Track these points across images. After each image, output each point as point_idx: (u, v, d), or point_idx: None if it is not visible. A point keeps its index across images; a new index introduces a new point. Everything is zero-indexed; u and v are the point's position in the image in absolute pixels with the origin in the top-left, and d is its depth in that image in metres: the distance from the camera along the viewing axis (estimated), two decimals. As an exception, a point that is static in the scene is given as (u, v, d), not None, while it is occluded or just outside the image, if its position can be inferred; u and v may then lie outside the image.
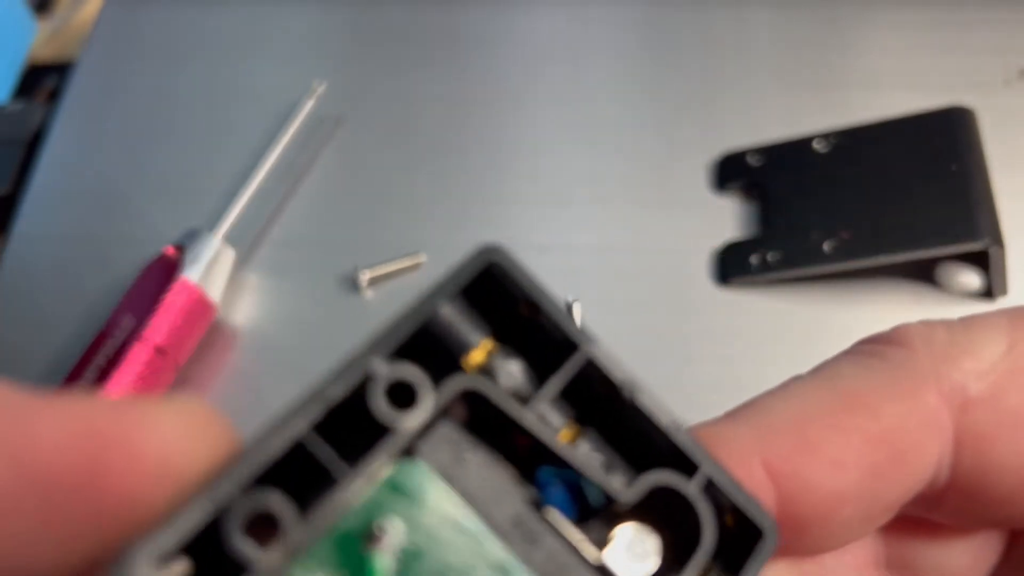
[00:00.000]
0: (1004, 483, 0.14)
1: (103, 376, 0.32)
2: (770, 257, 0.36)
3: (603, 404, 0.12)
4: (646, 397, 0.12)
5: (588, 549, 0.12)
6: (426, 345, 0.12)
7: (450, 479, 0.11)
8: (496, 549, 0.11)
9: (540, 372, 0.12)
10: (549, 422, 0.12)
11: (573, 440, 0.13)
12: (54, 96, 0.46)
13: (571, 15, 0.46)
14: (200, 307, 0.34)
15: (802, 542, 0.14)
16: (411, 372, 0.11)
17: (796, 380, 0.14)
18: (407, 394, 0.11)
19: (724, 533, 0.12)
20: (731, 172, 0.39)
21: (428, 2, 0.46)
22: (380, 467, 0.11)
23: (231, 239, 0.36)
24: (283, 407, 0.11)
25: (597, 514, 0.12)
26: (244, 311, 0.37)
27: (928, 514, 0.15)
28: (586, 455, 0.12)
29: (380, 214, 0.40)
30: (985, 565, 0.16)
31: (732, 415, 0.14)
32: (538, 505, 0.12)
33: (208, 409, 0.11)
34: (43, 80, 0.48)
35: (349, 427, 0.11)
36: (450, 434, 0.12)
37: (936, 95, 0.39)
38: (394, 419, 0.11)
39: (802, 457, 0.13)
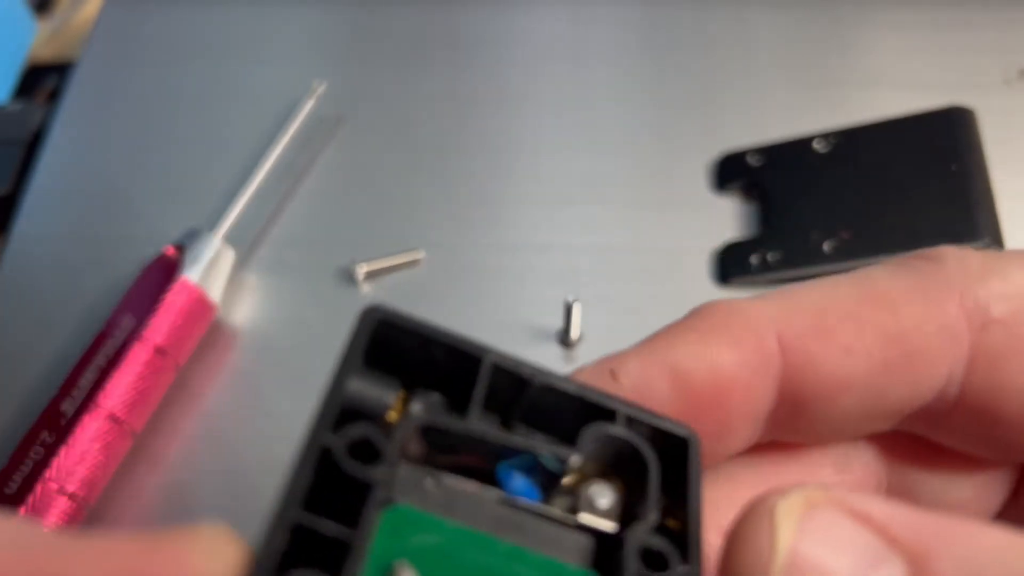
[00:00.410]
0: (1012, 406, 0.14)
1: (103, 376, 0.32)
2: (770, 257, 0.36)
3: (520, 401, 0.13)
4: (552, 377, 0.13)
5: (565, 518, 0.13)
6: (355, 412, 0.13)
7: (430, 508, 0.12)
8: (500, 546, 0.12)
9: (462, 397, 0.13)
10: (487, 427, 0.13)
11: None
12: (54, 96, 0.46)
13: (571, 15, 0.46)
14: (200, 307, 0.34)
15: (797, 424, 0.14)
16: (361, 430, 0.12)
17: (831, 277, 0.15)
18: (368, 449, 0.12)
19: (667, 463, 0.13)
20: (731, 172, 0.39)
21: (428, 2, 0.47)
22: (374, 520, 0.11)
23: (231, 239, 0.36)
24: (271, 506, 0.11)
25: (558, 487, 0.13)
26: (244, 311, 0.37)
27: (932, 432, 0.15)
28: (527, 438, 0.13)
29: (380, 214, 0.40)
30: (987, 503, 0.16)
31: (762, 294, 0.14)
32: (507, 499, 0.13)
33: (229, 534, 0.11)
34: (43, 80, 0.48)
35: (327, 502, 0.11)
36: (412, 472, 0.13)
37: (936, 95, 0.39)
38: (368, 472, 0.11)
39: (815, 337, 0.14)
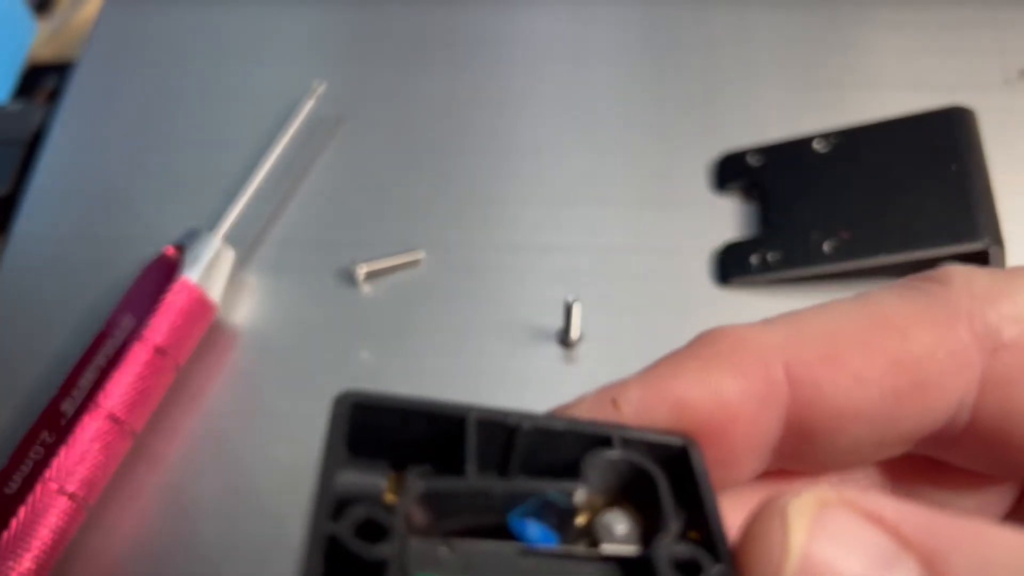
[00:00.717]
0: (1018, 431, 0.14)
1: (103, 376, 0.32)
2: (770, 257, 0.36)
3: (514, 451, 0.13)
4: (539, 419, 0.13)
5: (589, 553, 0.12)
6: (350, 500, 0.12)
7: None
8: None
9: (454, 461, 0.13)
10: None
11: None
12: (54, 96, 0.46)
13: (571, 15, 0.46)
14: (200, 307, 0.34)
15: (804, 454, 0.14)
16: (363, 511, 0.11)
17: (836, 301, 0.14)
18: (374, 529, 0.11)
19: (674, 479, 0.13)
20: (731, 172, 0.39)
21: (428, 2, 0.47)
22: None
23: (231, 239, 0.36)
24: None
25: (573, 529, 0.13)
26: (244, 311, 0.37)
27: (940, 455, 0.15)
28: (530, 481, 0.13)
29: (380, 214, 0.40)
30: (989, 512, 0.16)
31: (768, 320, 0.14)
32: (527, 549, 0.12)
33: None
34: (43, 80, 0.48)
35: None
36: (423, 544, 0.12)
37: (936, 95, 0.39)
38: (377, 552, 0.11)
39: (824, 367, 0.14)
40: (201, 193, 0.40)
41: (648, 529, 0.13)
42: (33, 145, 0.43)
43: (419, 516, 0.12)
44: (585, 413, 0.14)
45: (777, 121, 0.40)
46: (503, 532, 0.13)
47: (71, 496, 0.31)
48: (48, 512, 0.30)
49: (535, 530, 0.13)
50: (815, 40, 0.44)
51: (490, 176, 0.41)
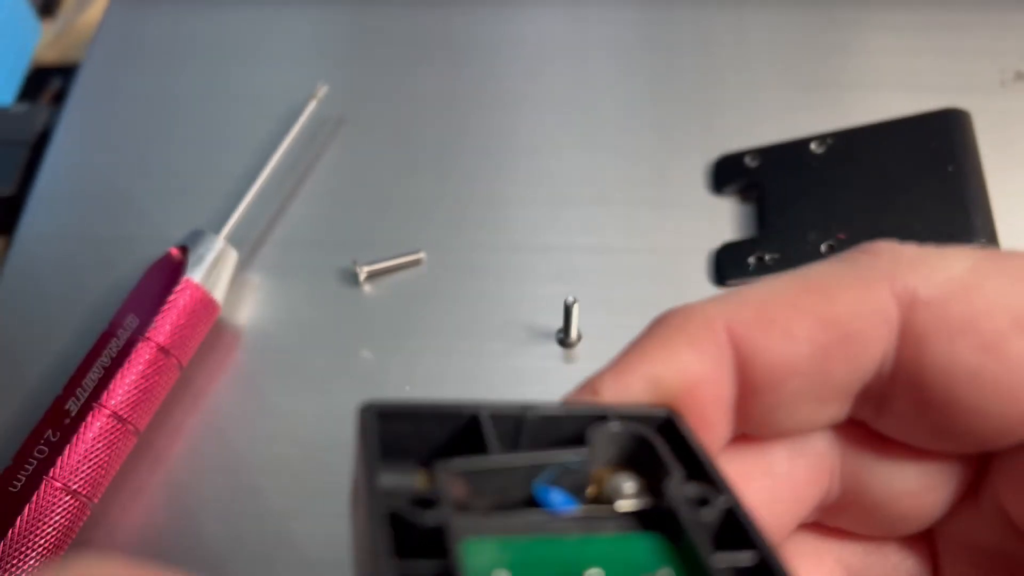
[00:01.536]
0: (938, 386, 0.15)
1: (107, 375, 0.32)
2: (767, 258, 0.36)
3: (523, 437, 0.15)
4: (542, 408, 0.14)
5: (607, 511, 0.14)
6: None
7: (494, 532, 0.13)
8: (568, 540, 0.13)
9: (473, 452, 0.14)
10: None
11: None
12: (59, 98, 0.47)
13: (571, 16, 0.46)
14: (204, 307, 0.35)
15: (754, 412, 0.16)
16: (409, 480, 0.13)
17: (775, 276, 0.16)
18: (425, 502, 0.12)
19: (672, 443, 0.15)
20: (728, 173, 0.39)
21: (429, 4, 0.47)
22: (458, 553, 0.12)
23: (234, 240, 0.37)
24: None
25: (586, 496, 0.14)
26: (247, 311, 0.38)
27: (878, 420, 0.16)
28: (546, 452, 0.14)
29: (382, 215, 0.40)
30: (936, 496, 0.17)
31: (714, 296, 0.16)
32: (551, 514, 0.14)
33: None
34: (48, 82, 0.48)
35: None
36: (461, 519, 0.13)
37: (933, 97, 0.39)
38: (437, 516, 0.12)
39: (760, 327, 0.15)
40: (205, 194, 0.41)
41: (652, 487, 0.14)
42: (38, 146, 0.43)
43: (457, 490, 0.13)
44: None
45: (775, 123, 0.41)
46: (529, 505, 0.14)
47: (75, 495, 0.31)
48: (52, 510, 0.30)
49: (557, 497, 0.14)
50: (813, 42, 0.44)
51: (490, 176, 0.41)
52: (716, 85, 0.43)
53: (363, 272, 0.38)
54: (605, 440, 0.14)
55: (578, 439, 0.14)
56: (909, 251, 0.16)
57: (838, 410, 0.16)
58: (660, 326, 0.16)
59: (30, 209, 0.41)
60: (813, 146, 0.39)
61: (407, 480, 0.14)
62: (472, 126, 0.42)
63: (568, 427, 0.14)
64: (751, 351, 0.15)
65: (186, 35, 0.47)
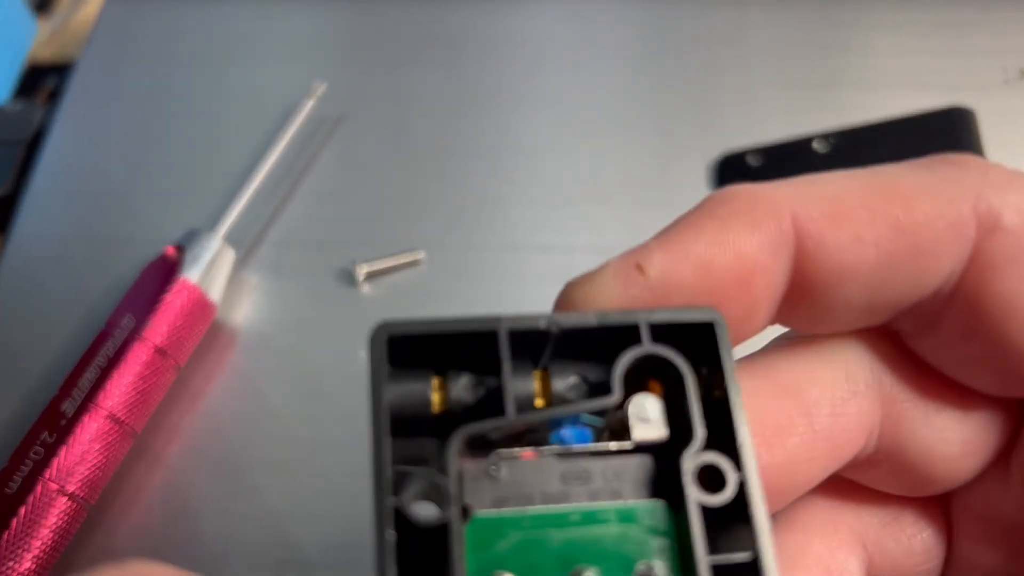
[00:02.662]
0: (995, 316, 0.14)
1: (103, 376, 0.32)
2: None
3: (548, 346, 0.14)
4: (567, 319, 0.14)
5: (620, 446, 0.14)
6: (407, 424, 0.13)
7: (500, 504, 0.13)
8: (573, 515, 0.13)
9: (491, 366, 0.14)
10: (526, 391, 0.14)
11: (546, 385, 0.14)
12: (54, 96, 0.46)
13: (571, 15, 0.46)
14: (200, 307, 0.34)
15: (801, 309, 0.15)
16: (422, 479, 0.12)
17: (849, 170, 0.15)
18: (436, 494, 0.12)
19: (699, 346, 0.14)
20: (731, 172, 0.39)
21: (428, 2, 0.47)
22: (462, 538, 0.12)
23: (231, 239, 0.36)
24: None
25: (609, 419, 0.14)
26: (244, 311, 0.37)
27: (918, 336, 0.15)
28: (565, 391, 0.14)
29: (380, 214, 0.40)
30: (970, 455, 0.16)
31: (779, 181, 0.15)
32: (565, 451, 0.14)
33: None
34: (43, 80, 0.48)
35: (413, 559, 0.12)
36: (477, 466, 0.13)
37: (936, 95, 0.39)
38: (436, 516, 0.12)
39: (829, 223, 0.14)
40: (201, 193, 0.40)
41: (672, 412, 0.14)
42: (33, 145, 0.43)
43: (469, 447, 0.13)
44: (610, 278, 0.15)
45: (777, 121, 0.40)
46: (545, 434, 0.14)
47: (71, 496, 0.31)
48: (48, 512, 0.30)
49: (570, 433, 0.14)
50: (816, 40, 0.44)
51: (490, 176, 0.41)
52: (718, 83, 0.43)
53: (362, 272, 0.37)
54: (635, 363, 0.14)
55: (606, 342, 0.14)
56: (999, 171, 0.15)
57: (882, 319, 0.15)
58: (719, 204, 0.15)
59: (25, 208, 0.41)
60: (816, 145, 0.38)
61: (420, 389, 0.13)
62: (472, 125, 0.42)
63: (596, 333, 0.14)
64: (815, 248, 0.14)
65: (183, 33, 0.46)
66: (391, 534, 0.12)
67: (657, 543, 0.13)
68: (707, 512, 0.13)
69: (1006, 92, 0.41)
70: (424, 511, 0.12)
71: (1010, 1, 0.44)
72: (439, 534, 0.12)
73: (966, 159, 0.15)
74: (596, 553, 0.13)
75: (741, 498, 0.13)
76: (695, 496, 0.13)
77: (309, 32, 0.46)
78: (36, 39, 0.50)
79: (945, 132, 0.37)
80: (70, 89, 0.45)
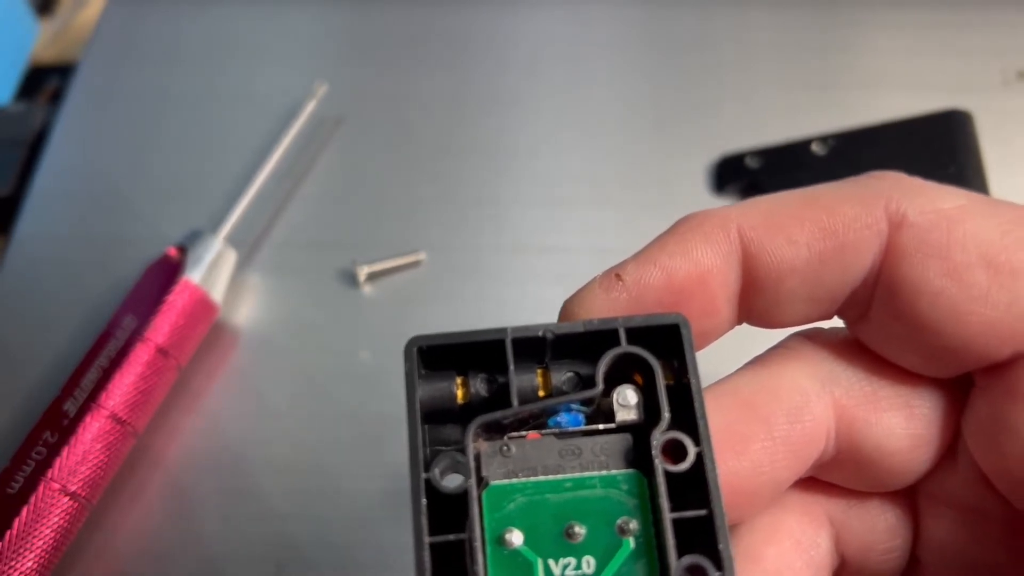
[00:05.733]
0: (907, 299, 0.17)
1: (105, 376, 0.32)
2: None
3: (547, 349, 0.17)
4: (560, 328, 0.17)
5: (606, 427, 0.17)
6: (435, 414, 0.17)
7: (512, 473, 0.16)
8: (566, 482, 0.16)
9: (501, 367, 0.17)
10: (531, 385, 0.17)
11: (547, 380, 0.17)
12: (56, 97, 0.47)
13: (571, 16, 0.46)
14: (202, 307, 0.35)
15: (755, 305, 0.18)
16: (447, 460, 0.16)
17: (786, 191, 0.19)
18: (457, 467, 0.16)
19: (669, 347, 0.17)
20: (730, 174, 0.39)
21: (428, 3, 0.47)
22: (480, 500, 0.16)
23: (233, 240, 0.37)
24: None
25: (597, 407, 0.17)
26: (246, 312, 0.37)
27: (859, 324, 0.18)
28: (562, 384, 0.17)
29: (381, 215, 0.40)
30: (920, 453, 0.18)
31: (728, 205, 0.18)
32: (562, 432, 0.17)
33: None
34: (45, 81, 0.48)
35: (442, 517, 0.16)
36: (492, 446, 0.17)
37: (934, 97, 0.39)
38: (458, 485, 0.15)
39: (767, 230, 0.17)
40: (203, 194, 0.40)
41: (647, 398, 0.17)
42: (35, 146, 0.43)
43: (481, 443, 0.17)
44: (596, 286, 0.18)
45: (776, 123, 0.41)
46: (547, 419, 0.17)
47: (73, 496, 0.31)
48: (50, 512, 0.30)
49: (565, 417, 0.17)
50: (814, 41, 0.44)
51: (490, 177, 0.41)
52: (717, 85, 0.43)
53: (363, 272, 0.37)
54: (615, 361, 0.17)
55: (593, 343, 0.17)
56: (911, 181, 0.18)
57: (827, 310, 0.18)
58: (680, 225, 0.18)
59: (27, 209, 0.41)
60: (815, 147, 0.39)
61: (447, 386, 0.17)
62: (472, 126, 0.42)
63: (584, 336, 0.17)
64: (757, 251, 0.17)
65: (184, 34, 0.47)
66: (424, 502, 0.15)
67: (633, 503, 0.16)
68: (671, 478, 0.16)
69: (1005, 93, 0.41)
70: (450, 482, 0.15)
71: (1009, 3, 0.44)
72: (462, 500, 0.15)
73: (886, 174, 0.18)
74: (585, 512, 0.16)
75: (699, 466, 0.16)
76: (661, 466, 0.16)
77: (310, 33, 0.47)
78: (38, 40, 0.50)
79: (942, 135, 0.37)
80: (72, 90, 0.45)
